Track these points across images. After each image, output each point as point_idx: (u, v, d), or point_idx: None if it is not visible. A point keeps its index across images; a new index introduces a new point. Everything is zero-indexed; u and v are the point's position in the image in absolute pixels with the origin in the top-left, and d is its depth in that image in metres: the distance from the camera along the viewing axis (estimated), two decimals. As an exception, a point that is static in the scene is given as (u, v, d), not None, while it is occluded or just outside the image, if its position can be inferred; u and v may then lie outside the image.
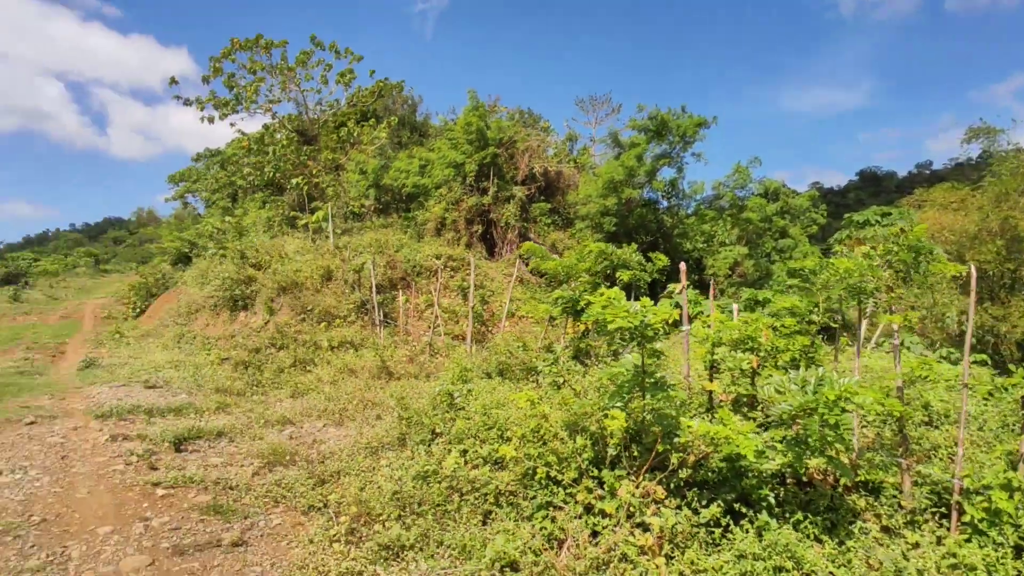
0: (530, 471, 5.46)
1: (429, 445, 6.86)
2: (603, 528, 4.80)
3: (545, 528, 4.91)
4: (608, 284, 8.90)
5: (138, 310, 25.67)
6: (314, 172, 24.03)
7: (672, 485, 4.98)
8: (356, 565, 4.60)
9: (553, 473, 5.26)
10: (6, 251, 65.44)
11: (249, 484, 6.49)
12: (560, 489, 5.24)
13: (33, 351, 17.46)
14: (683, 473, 4.94)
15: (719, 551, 4.57)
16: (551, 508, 5.17)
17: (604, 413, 5.29)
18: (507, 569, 4.40)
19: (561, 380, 6.81)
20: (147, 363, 13.69)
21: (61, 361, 15.92)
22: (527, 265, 16.23)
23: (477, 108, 22.10)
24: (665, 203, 24.57)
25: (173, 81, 23.63)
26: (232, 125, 24.97)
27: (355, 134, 25.69)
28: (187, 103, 24.37)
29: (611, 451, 5.24)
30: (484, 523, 5.22)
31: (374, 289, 14.94)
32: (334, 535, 5.18)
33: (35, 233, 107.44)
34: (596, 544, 4.70)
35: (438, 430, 7.08)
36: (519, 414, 6.39)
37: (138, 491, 6.24)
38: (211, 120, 24.00)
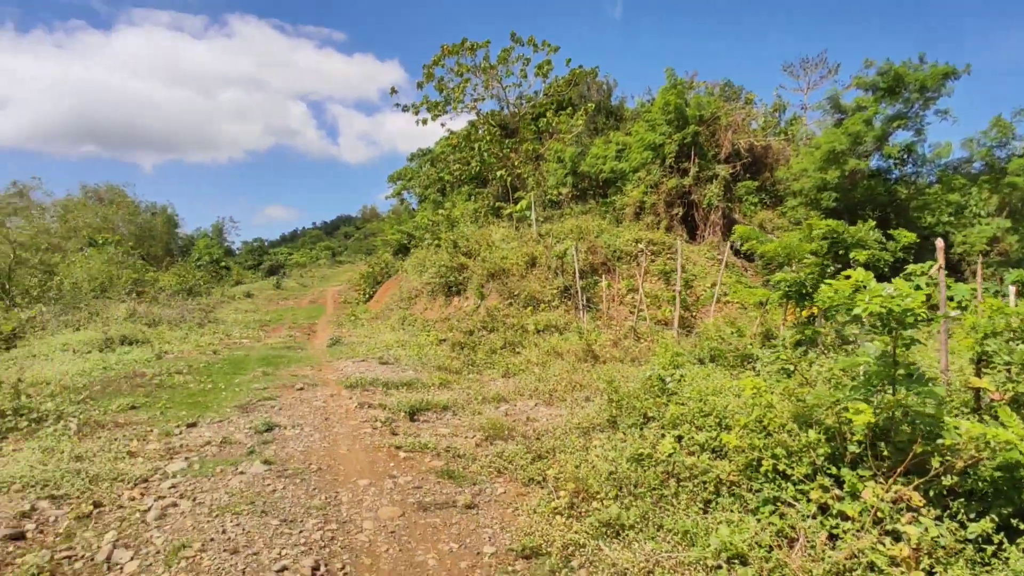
0: (754, 463, 5.18)
1: (641, 429, 6.85)
2: (843, 532, 4.39)
3: (773, 524, 4.63)
4: (839, 266, 8.03)
5: (367, 296, 29.28)
6: (516, 163, 25.15)
7: (932, 492, 4.37)
8: (579, 538, 4.78)
9: (781, 467, 4.93)
10: (268, 248, 78.87)
11: (474, 454, 7.08)
12: (789, 484, 4.89)
13: (293, 330, 20.89)
14: (947, 480, 4.30)
15: (989, 572, 3.92)
16: (779, 504, 4.86)
17: (844, 406, 4.80)
18: (735, 561, 4.24)
19: (791, 368, 6.32)
20: (379, 342, 15.57)
21: (314, 338, 18.82)
22: (740, 247, 15.29)
23: (675, 86, 21.28)
24: (897, 172, 21.35)
25: (393, 91, 26.40)
26: (443, 125, 27.24)
27: (553, 124, 26.32)
28: (404, 109, 27.07)
29: (852, 448, 4.75)
30: (704, 511, 5.09)
31: (577, 274, 15.24)
32: (555, 508, 5.44)
33: (288, 232, 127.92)
34: (835, 548, 4.31)
35: (650, 414, 7.03)
36: (738, 402, 6.09)
37: (385, 452, 7.16)
38: (424, 122, 26.36)
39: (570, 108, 27.15)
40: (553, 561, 4.59)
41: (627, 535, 4.77)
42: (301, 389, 10.34)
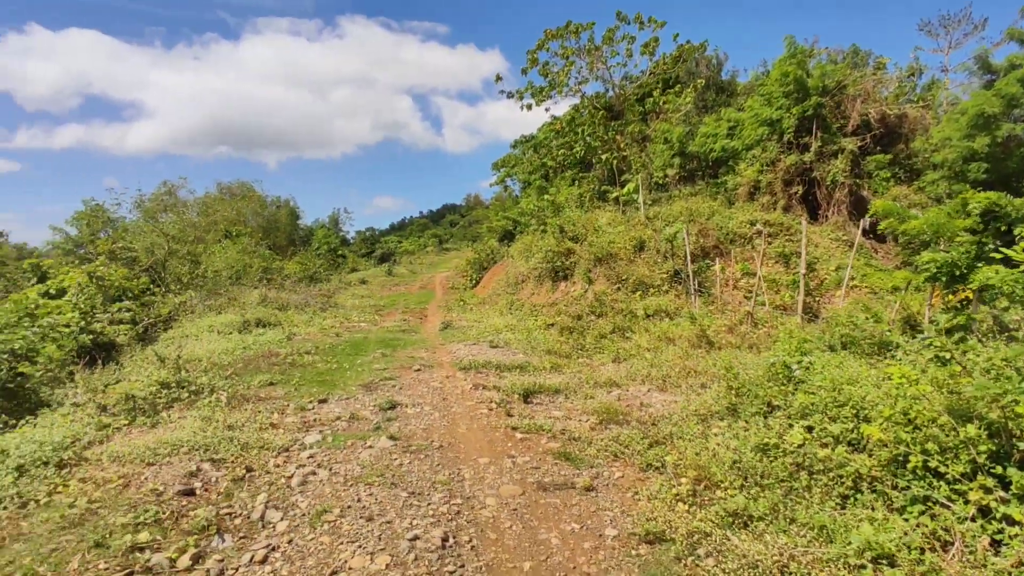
0: (900, 458, 4.79)
1: (765, 418, 6.53)
2: (1008, 538, 3.96)
3: (924, 525, 4.26)
4: (997, 243, 7.21)
5: (473, 281, 29.98)
6: (621, 146, 24.63)
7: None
8: (704, 526, 4.66)
9: (933, 464, 4.52)
10: (379, 236, 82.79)
11: (589, 438, 7.08)
12: (942, 483, 4.47)
13: (406, 314, 21.83)
14: None
15: None
16: (930, 503, 4.46)
17: (1013, 399, 4.31)
18: (881, 562, 3.95)
19: (947, 356, 5.76)
20: (488, 326, 15.91)
21: (426, 322, 19.56)
22: (875, 227, 14.06)
23: (795, 55, 19.84)
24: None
25: (498, 78, 26.66)
26: (547, 110, 27.15)
27: (660, 103, 25.49)
28: (509, 96, 27.25)
29: (1022, 446, 4.26)
30: (841, 507, 4.78)
31: (688, 258, 14.74)
32: (676, 495, 5.34)
33: (396, 220, 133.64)
34: (999, 555, 3.91)
35: (775, 403, 6.69)
36: (878, 392, 5.65)
37: (502, 433, 7.33)
38: (529, 108, 26.42)
39: (678, 86, 26.14)
40: (678, 548, 4.50)
41: (756, 527, 4.59)
42: (418, 370, 10.81)
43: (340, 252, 55.14)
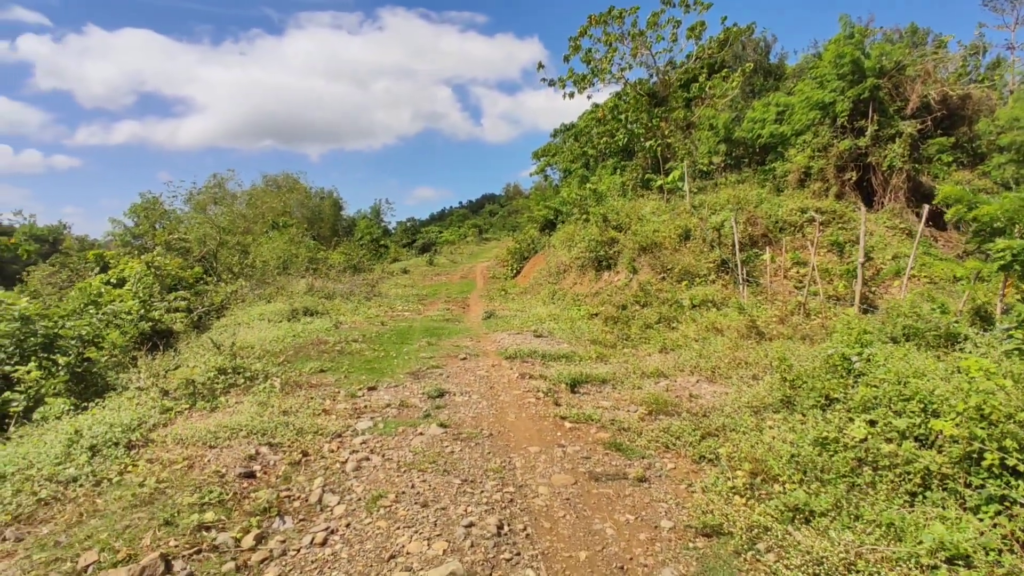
0: (973, 455, 4.58)
1: (823, 411, 6.34)
2: (1096, 540, 3.75)
3: (1001, 525, 4.07)
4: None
5: (514, 271, 30.00)
6: (666, 133, 24.16)
7: None
8: (763, 521, 4.56)
9: (1012, 462, 4.31)
10: (420, 226, 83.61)
11: (639, 428, 7.00)
12: (1021, 482, 4.27)
13: (449, 304, 22.00)
14: None
15: None
16: (1007, 503, 4.26)
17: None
18: (957, 563, 3.79)
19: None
20: (532, 316, 15.90)
21: (468, 312, 19.68)
22: (937, 214, 13.48)
23: (852, 36, 19.06)
24: None
25: (540, 66, 26.38)
26: (589, 98, 26.74)
27: (705, 89, 24.88)
28: (550, 84, 26.96)
29: (1111, 445, 4.02)
30: (910, 504, 4.60)
31: (736, 247, 14.40)
32: (732, 487, 5.23)
33: (436, 211, 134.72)
34: (1085, 558, 3.70)
35: (833, 395, 6.48)
36: (948, 386, 5.40)
37: (550, 422, 7.32)
38: (571, 96, 26.13)
39: (724, 71, 25.43)
40: (737, 542, 4.42)
41: (819, 523, 4.45)
42: (464, 359, 10.89)
43: (382, 242, 55.92)
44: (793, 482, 5.10)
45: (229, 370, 8.94)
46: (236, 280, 22.26)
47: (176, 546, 4.36)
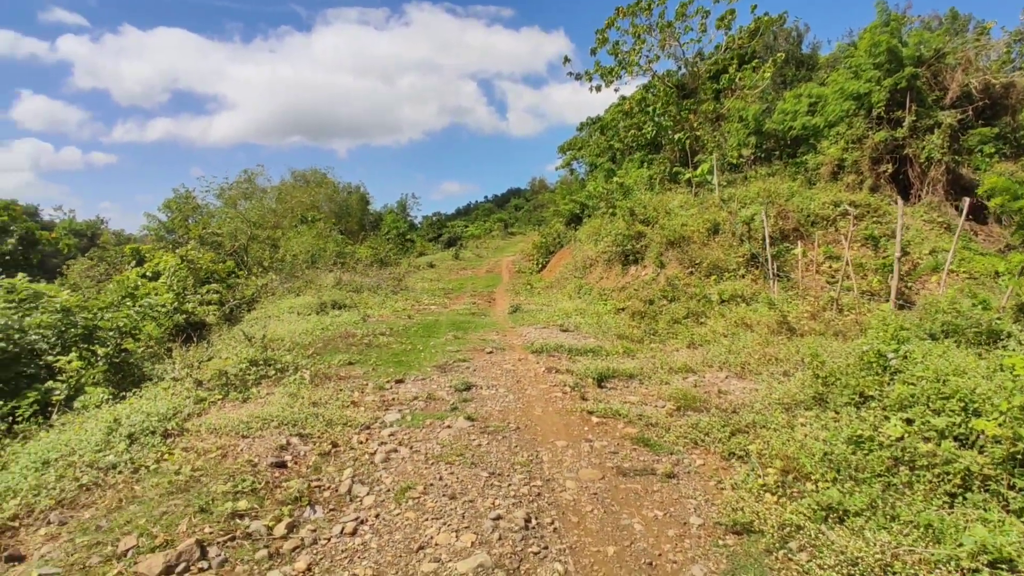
0: (1018, 455, 4.44)
1: (858, 408, 6.21)
2: None
3: (1047, 528, 3.94)
4: None
5: (540, 265, 29.93)
6: (694, 125, 23.82)
7: None
8: (796, 519, 4.49)
9: (1058, 463, 4.16)
10: (446, 221, 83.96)
11: (667, 424, 6.94)
12: (1068, 484, 4.12)
13: (475, 297, 22.07)
14: None
15: None
16: (1053, 505, 4.12)
17: None
18: (1000, 566, 3.67)
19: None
20: (558, 310, 15.86)
21: (494, 306, 19.72)
22: (978, 207, 13.06)
23: (888, 23, 18.51)
24: None
25: (566, 60, 26.20)
26: (616, 91, 26.52)
27: (735, 80, 24.44)
28: (577, 78, 26.74)
29: None
30: (949, 505, 4.48)
31: (767, 241, 14.15)
32: (763, 485, 5.16)
33: (462, 205, 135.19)
34: None
35: (868, 393, 6.34)
36: (990, 385, 5.24)
37: (577, 416, 7.30)
38: (598, 89, 25.88)
39: (755, 61, 24.95)
40: (768, 540, 4.36)
41: (853, 522, 4.36)
42: (491, 353, 10.91)
43: (408, 236, 56.31)
44: (826, 480, 5.00)
45: (260, 362, 9.10)
46: (266, 274, 22.64)
47: (211, 533, 4.46)
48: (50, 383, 8.74)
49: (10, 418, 7.66)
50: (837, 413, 6.27)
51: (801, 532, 4.38)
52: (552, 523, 4.69)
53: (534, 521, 4.69)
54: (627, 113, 28.97)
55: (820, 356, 7.41)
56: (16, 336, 9.26)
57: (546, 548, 4.34)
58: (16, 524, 4.69)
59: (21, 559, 4.26)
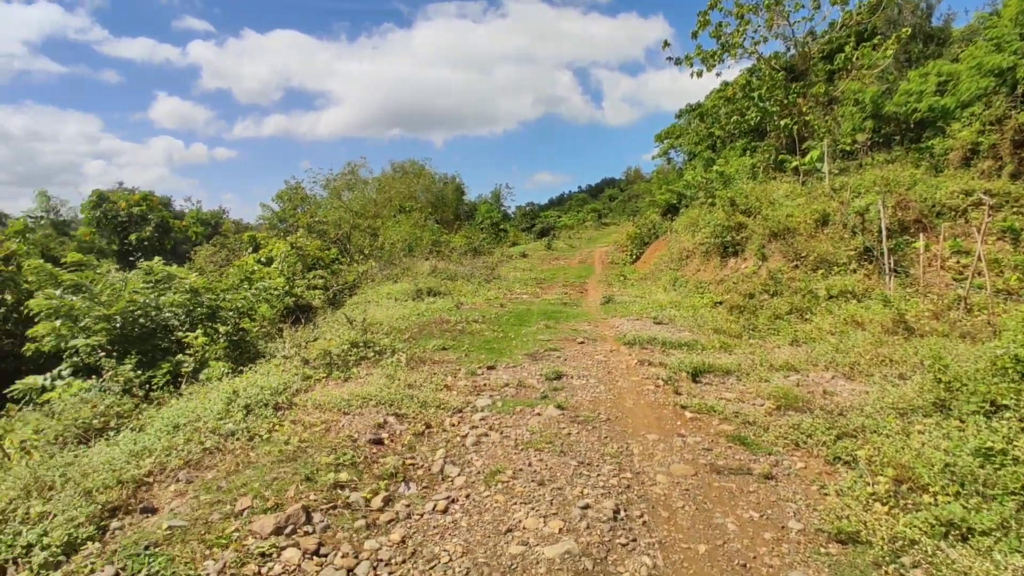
0: None
1: (988, 418, 5.63)
2: None
3: None
4: None
5: (634, 256, 29.38)
6: (804, 110, 22.39)
7: None
8: (910, 533, 4.15)
9: None
10: (539, 211, 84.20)
11: (766, 423, 6.62)
12: None
13: (566, 288, 22.02)
14: None
15: None
16: None
17: None
18: None
19: None
20: (652, 302, 15.51)
21: (586, 296, 19.58)
22: None
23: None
24: None
25: (666, 44, 25.44)
26: (718, 75, 25.34)
27: (852, 59, 22.68)
28: (676, 63, 25.84)
29: None
30: (1098, 531, 3.97)
31: (884, 233, 13.09)
32: (872, 494, 4.81)
33: (555, 196, 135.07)
34: None
35: (1001, 402, 5.73)
36: None
37: (670, 410, 7.13)
38: (699, 74, 24.85)
39: (876, 38, 22.99)
40: (877, 552, 4.06)
41: (979, 542, 3.97)
42: (582, 343, 10.87)
43: (502, 226, 56.97)
44: (947, 494, 4.58)
45: (360, 344, 9.58)
46: (366, 261, 23.76)
47: (315, 500, 4.77)
48: (180, 356, 9.66)
49: (147, 386, 8.53)
50: (962, 422, 5.73)
51: (916, 547, 4.05)
52: (641, 516, 4.62)
53: (623, 513, 4.64)
54: (729, 99, 27.66)
55: (944, 359, 6.78)
56: (153, 313, 10.29)
57: (634, 540, 4.28)
58: (151, 480, 5.24)
59: (154, 511, 4.75)
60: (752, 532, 4.45)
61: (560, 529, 4.37)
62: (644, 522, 4.54)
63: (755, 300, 13.21)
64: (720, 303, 13.79)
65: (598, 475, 5.27)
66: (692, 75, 25.16)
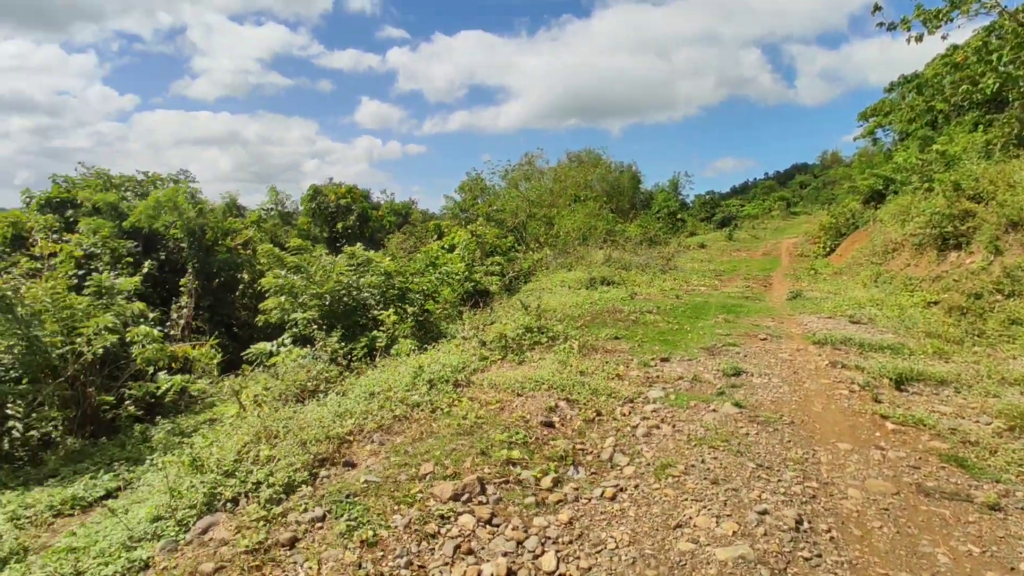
0: None
1: None
2: None
3: None
4: None
5: (827, 249, 26.64)
6: (1062, 72, 18.42)
7: None
8: None
9: None
10: (720, 200, 79.55)
11: (992, 445, 5.65)
12: None
13: (748, 281, 20.67)
14: None
15: None
16: None
17: None
18: None
19: None
20: (847, 299, 13.96)
21: (770, 290, 18.20)
22: None
23: None
24: None
25: (876, 8, 22.34)
26: (944, 38, 21.68)
27: None
28: (889, 28, 22.67)
29: None
30: None
31: None
32: None
33: (738, 183, 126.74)
34: None
35: None
36: None
37: (867, 419, 6.39)
38: (918, 39, 21.51)
39: None
40: None
41: None
42: (764, 339, 10.14)
43: (679, 216, 54.96)
44: None
45: (534, 329, 9.89)
46: (541, 249, 24.38)
47: (489, 473, 5.05)
48: (375, 332, 10.78)
49: (349, 356, 9.66)
50: None
51: None
52: (828, 531, 4.22)
53: (806, 524, 4.28)
54: (958, 65, 23.61)
55: None
56: (355, 292, 11.60)
57: (819, 556, 3.92)
58: (351, 439, 5.93)
59: (353, 466, 5.39)
60: (970, 569, 3.84)
61: (734, 532, 4.15)
62: (832, 538, 4.14)
63: (983, 301, 11.25)
64: (935, 303, 11.98)
65: (779, 480, 4.90)
66: (909, 40, 21.93)
